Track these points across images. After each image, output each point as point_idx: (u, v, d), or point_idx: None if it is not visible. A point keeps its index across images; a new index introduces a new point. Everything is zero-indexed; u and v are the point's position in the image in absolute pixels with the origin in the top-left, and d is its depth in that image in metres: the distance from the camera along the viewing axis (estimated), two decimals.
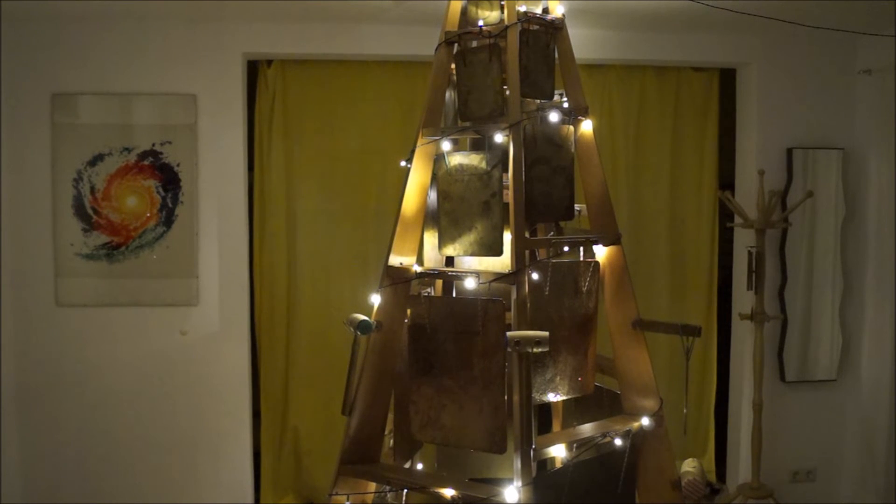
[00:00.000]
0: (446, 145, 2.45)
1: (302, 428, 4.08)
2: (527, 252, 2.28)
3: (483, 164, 2.33)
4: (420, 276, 2.39)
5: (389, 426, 2.56)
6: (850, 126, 4.06)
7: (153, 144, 3.75)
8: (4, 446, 3.65)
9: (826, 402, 4.12)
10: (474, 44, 2.48)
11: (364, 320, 2.29)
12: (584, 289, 2.47)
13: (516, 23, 2.37)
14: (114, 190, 3.75)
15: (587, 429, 2.46)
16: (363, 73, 4.05)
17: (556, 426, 2.89)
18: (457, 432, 2.26)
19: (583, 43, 3.48)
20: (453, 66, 2.56)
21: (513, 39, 2.35)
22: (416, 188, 2.48)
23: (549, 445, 2.30)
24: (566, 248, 2.42)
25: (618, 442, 2.40)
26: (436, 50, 2.54)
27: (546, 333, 2.12)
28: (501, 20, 2.51)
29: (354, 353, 2.34)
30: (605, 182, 2.54)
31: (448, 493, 2.20)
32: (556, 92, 2.56)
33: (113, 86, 3.71)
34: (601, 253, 2.55)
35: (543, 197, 2.41)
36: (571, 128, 2.49)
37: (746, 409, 3.99)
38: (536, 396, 2.38)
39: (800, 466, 4.13)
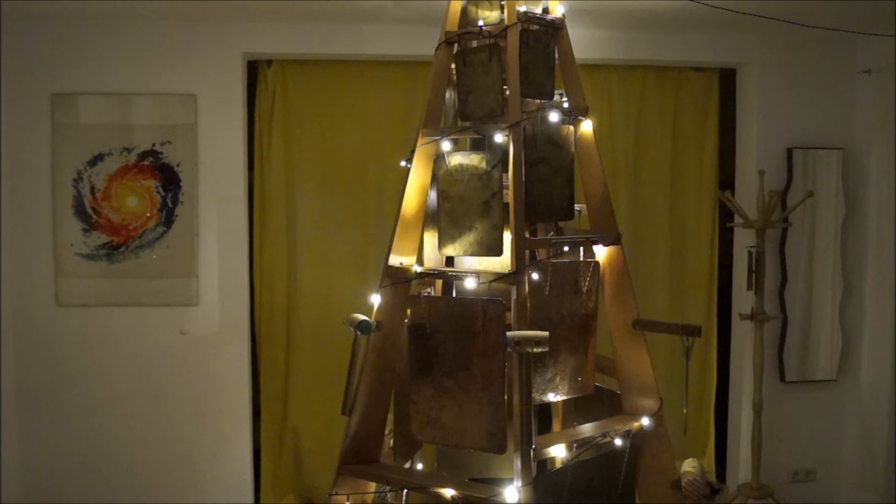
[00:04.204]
0: (446, 145, 2.45)
1: (302, 428, 4.08)
2: (527, 252, 2.28)
3: (483, 164, 2.33)
4: (420, 276, 2.39)
5: (389, 426, 2.56)
6: (850, 126, 4.06)
7: (153, 144, 3.76)
8: (4, 446, 3.66)
9: (826, 402, 4.12)
10: (474, 44, 2.48)
11: (364, 320, 2.29)
12: (584, 289, 2.47)
13: (516, 23, 2.37)
14: (114, 190, 3.75)
15: (587, 429, 2.45)
16: (363, 73, 4.05)
17: (556, 426, 2.89)
18: (457, 432, 2.26)
19: (583, 43, 3.48)
20: (453, 66, 2.56)
21: (513, 39, 2.35)
22: (416, 188, 2.48)
23: (549, 445, 2.30)
24: (566, 248, 2.42)
25: (618, 442, 2.40)
26: (436, 50, 2.54)
27: (546, 333, 2.12)
28: (501, 20, 2.51)
29: (354, 353, 2.34)
30: (605, 182, 2.54)
31: (448, 493, 2.20)
32: (556, 92, 2.56)
33: (113, 86, 3.71)
34: (601, 253, 2.55)
35: (543, 197, 2.41)
36: (571, 128, 2.49)
37: (746, 409, 3.99)
38: (536, 396, 2.38)
39: (800, 466, 4.13)
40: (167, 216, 3.78)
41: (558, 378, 2.43)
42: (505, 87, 2.40)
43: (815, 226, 4.02)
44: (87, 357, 3.76)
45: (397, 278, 2.41)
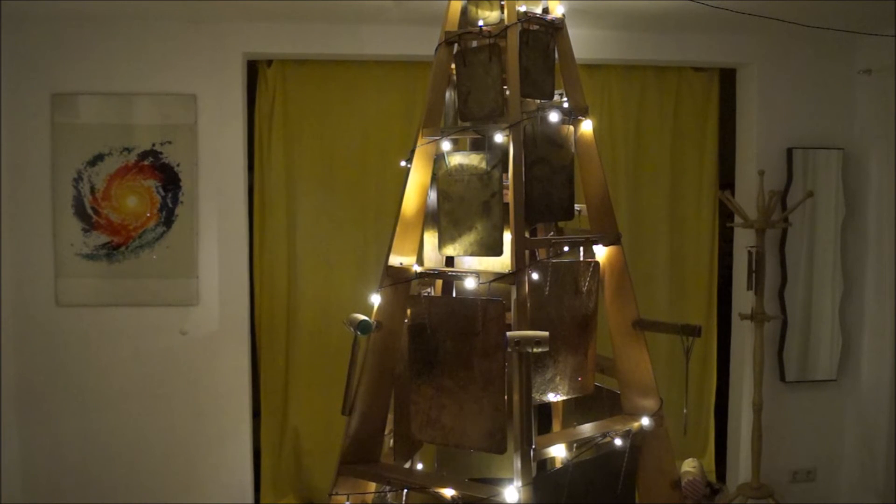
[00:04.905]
0: (446, 145, 2.45)
1: (302, 428, 4.08)
2: (527, 252, 2.28)
3: (483, 164, 2.33)
4: (420, 276, 2.39)
5: (389, 426, 2.56)
6: (850, 126, 4.06)
7: (153, 144, 3.76)
8: (4, 446, 3.65)
9: (826, 402, 4.12)
10: (474, 44, 2.48)
11: (364, 320, 2.30)
12: (584, 289, 2.47)
13: (516, 23, 2.37)
14: (114, 190, 3.75)
15: (587, 429, 2.46)
16: (363, 73, 4.05)
17: (556, 426, 2.89)
18: (457, 432, 2.26)
19: (583, 43, 3.48)
20: (453, 66, 2.56)
21: (513, 39, 2.35)
22: (416, 188, 2.48)
23: (549, 445, 2.30)
24: (566, 248, 2.42)
25: (618, 442, 2.40)
26: (436, 50, 2.54)
27: (546, 333, 2.12)
28: (501, 20, 2.51)
29: (354, 353, 2.35)
30: (605, 182, 2.54)
31: (448, 493, 2.20)
32: (556, 92, 2.56)
33: (113, 86, 3.71)
34: (601, 253, 2.56)
35: (543, 197, 2.41)
36: (571, 128, 2.49)
37: (746, 409, 3.99)
38: (536, 396, 2.38)
39: (800, 466, 4.13)
40: (167, 216, 3.78)
41: (558, 378, 2.43)
42: (505, 87, 2.40)
43: (815, 226, 4.01)
44: (87, 357, 3.75)
45: (397, 278, 2.41)
